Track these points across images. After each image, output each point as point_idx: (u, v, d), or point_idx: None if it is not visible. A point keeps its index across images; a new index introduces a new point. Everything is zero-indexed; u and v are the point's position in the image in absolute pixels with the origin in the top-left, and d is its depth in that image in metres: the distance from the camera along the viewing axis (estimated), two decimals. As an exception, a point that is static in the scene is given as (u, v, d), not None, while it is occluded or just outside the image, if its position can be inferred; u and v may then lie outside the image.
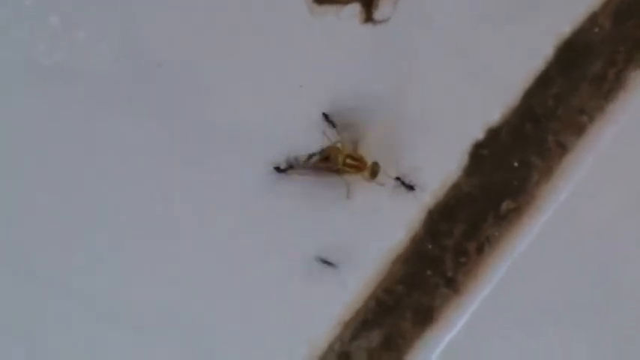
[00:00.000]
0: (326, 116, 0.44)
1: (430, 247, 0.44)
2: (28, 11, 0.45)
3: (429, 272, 0.44)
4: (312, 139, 0.44)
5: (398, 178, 0.44)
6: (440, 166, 0.44)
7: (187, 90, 0.45)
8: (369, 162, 0.43)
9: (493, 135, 0.45)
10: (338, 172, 0.43)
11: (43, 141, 0.44)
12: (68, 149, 0.44)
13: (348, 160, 0.43)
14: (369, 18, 0.45)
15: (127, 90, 0.45)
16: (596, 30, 0.45)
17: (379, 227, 0.44)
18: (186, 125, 0.44)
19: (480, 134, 0.45)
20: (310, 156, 0.43)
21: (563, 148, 0.44)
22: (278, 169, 0.44)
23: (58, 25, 0.45)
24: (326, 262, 0.43)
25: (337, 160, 0.43)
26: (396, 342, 0.44)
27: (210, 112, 0.44)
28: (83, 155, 0.44)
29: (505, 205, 0.44)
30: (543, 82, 0.45)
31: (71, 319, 0.43)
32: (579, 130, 0.45)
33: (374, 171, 0.43)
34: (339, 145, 0.43)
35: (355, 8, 0.45)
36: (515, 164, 0.44)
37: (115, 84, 0.45)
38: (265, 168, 0.44)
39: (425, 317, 0.44)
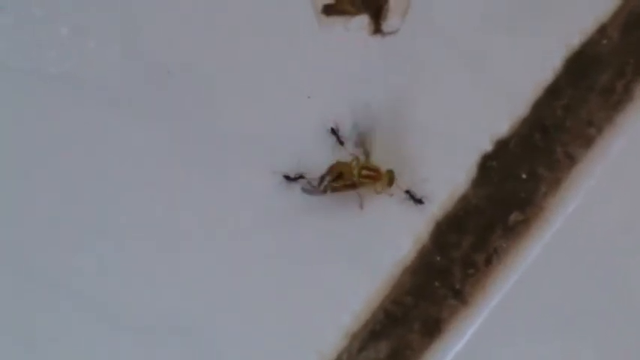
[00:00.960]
0: (334, 131, 0.44)
1: (438, 258, 0.44)
2: (37, 20, 0.45)
3: (437, 284, 0.44)
4: (320, 149, 0.44)
5: (408, 192, 0.44)
6: (448, 177, 0.44)
7: (195, 98, 0.45)
8: (385, 170, 0.43)
9: (501, 146, 0.45)
10: (354, 185, 0.43)
11: (52, 148, 0.45)
12: (75, 155, 0.45)
13: (364, 172, 0.43)
14: (377, 29, 0.45)
15: (135, 97, 0.45)
16: (605, 42, 0.45)
17: (387, 238, 0.44)
18: (193, 132, 0.44)
19: (488, 146, 0.45)
20: (322, 178, 0.43)
21: (571, 160, 0.44)
22: (288, 177, 0.44)
23: (66, 34, 0.45)
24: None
25: (352, 174, 0.43)
26: (404, 353, 0.44)
27: (218, 120, 0.45)
28: (89, 160, 0.45)
29: (513, 217, 0.44)
30: (552, 93, 0.45)
31: (72, 320, 0.43)
32: (588, 141, 0.45)
33: (391, 179, 0.43)
34: (350, 160, 0.43)
35: (363, 20, 0.45)
36: (524, 176, 0.44)
37: (124, 91, 0.45)
38: (273, 176, 0.44)
39: (433, 329, 0.44)
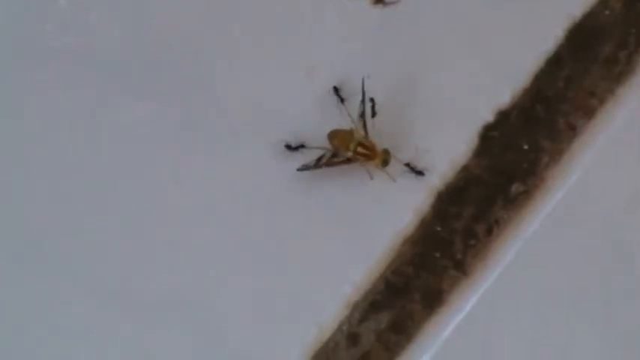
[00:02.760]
0: (336, 90, 0.44)
1: (439, 229, 0.44)
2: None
3: (437, 254, 0.44)
4: (322, 118, 0.44)
5: (407, 164, 0.44)
6: (449, 148, 0.44)
7: (196, 71, 0.45)
8: (380, 150, 0.43)
9: (503, 117, 0.44)
10: (350, 161, 0.43)
11: (52, 122, 0.45)
12: (78, 131, 0.45)
13: (360, 149, 0.43)
14: (378, 0, 0.45)
15: (136, 72, 0.45)
16: (607, 12, 0.45)
17: (388, 209, 0.44)
18: (195, 106, 0.45)
19: (490, 116, 0.44)
20: (319, 159, 0.43)
21: (573, 131, 0.44)
22: (289, 146, 0.44)
23: (66, 7, 0.45)
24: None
25: (348, 148, 0.43)
26: (405, 324, 0.44)
27: (219, 94, 0.45)
28: (93, 138, 0.45)
29: (514, 188, 0.44)
30: (554, 64, 0.45)
31: (81, 303, 0.43)
32: (590, 112, 0.44)
33: (385, 160, 0.43)
34: (349, 129, 0.43)
35: (365, -10, 0.45)
36: (525, 147, 0.44)
37: (126, 66, 0.45)
38: (274, 147, 0.44)
39: (434, 299, 0.44)
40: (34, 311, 0.43)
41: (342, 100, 0.44)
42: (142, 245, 0.44)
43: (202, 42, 0.45)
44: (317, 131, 0.44)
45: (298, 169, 0.43)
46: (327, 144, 0.44)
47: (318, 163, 0.43)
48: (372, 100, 0.43)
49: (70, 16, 0.45)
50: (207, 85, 0.45)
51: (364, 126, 0.43)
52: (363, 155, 0.43)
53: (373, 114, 0.43)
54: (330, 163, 0.43)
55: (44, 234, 0.44)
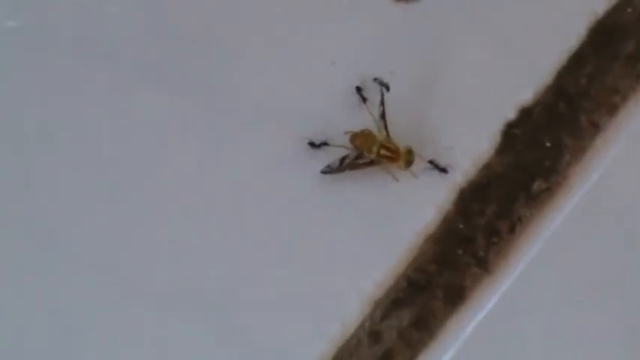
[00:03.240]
0: (359, 89, 0.44)
1: (462, 226, 0.44)
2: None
3: (460, 252, 0.44)
4: (344, 114, 0.44)
5: (431, 162, 0.44)
6: (472, 145, 0.44)
7: (218, 65, 0.45)
8: (403, 151, 0.43)
9: (525, 114, 0.44)
10: (373, 163, 0.43)
11: (71, 113, 0.44)
12: (96, 123, 0.44)
13: (382, 151, 0.43)
14: (401, -4, 0.45)
15: (158, 63, 0.45)
16: (630, 10, 0.45)
17: (411, 206, 0.44)
18: (217, 100, 0.44)
19: (512, 113, 0.44)
20: (343, 159, 0.43)
21: (595, 128, 0.44)
22: (312, 144, 0.44)
23: (86, 0, 0.45)
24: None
25: (372, 150, 0.43)
26: (427, 321, 0.43)
27: (241, 87, 0.45)
28: (111, 130, 0.44)
29: (537, 185, 0.44)
30: (576, 61, 0.45)
31: (99, 294, 0.43)
32: (612, 109, 0.44)
33: (409, 160, 0.43)
34: (371, 132, 0.43)
35: (388, -14, 0.45)
36: (548, 144, 0.44)
37: (147, 58, 0.45)
38: (297, 143, 0.44)
39: (456, 297, 0.44)
40: (47, 304, 0.43)
41: (364, 100, 0.44)
42: (163, 238, 0.44)
43: (223, 35, 0.45)
44: (339, 127, 0.44)
45: (322, 172, 0.43)
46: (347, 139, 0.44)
47: (341, 167, 0.43)
48: (383, 87, 0.43)
49: (90, 8, 0.45)
50: (228, 79, 0.45)
51: (385, 127, 0.43)
52: (386, 157, 0.43)
53: (382, 103, 0.43)
54: (353, 166, 0.43)
55: (61, 226, 0.44)
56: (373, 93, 0.44)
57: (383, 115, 0.43)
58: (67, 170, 0.44)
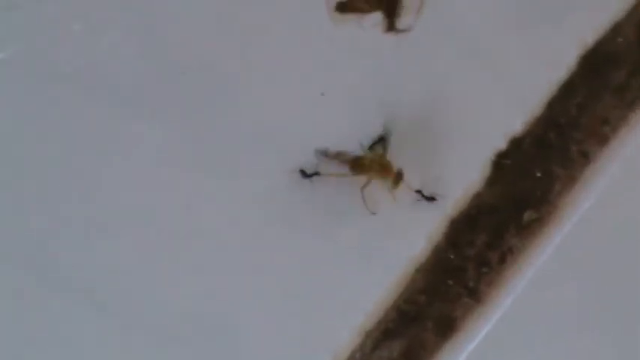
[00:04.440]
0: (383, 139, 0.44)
1: (452, 256, 0.44)
2: (50, 18, 0.45)
3: (450, 282, 0.44)
4: (334, 145, 0.44)
5: (419, 191, 0.44)
6: (462, 175, 0.44)
7: (209, 96, 0.45)
8: (395, 170, 0.43)
9: (516, 145, 0.44)
10: (363, 169, 0.43)
11: (64, 146, 0.44)
12: (88, 153, 0.44)
13: (375, 165, 0.43)
14: (391, 27, 0.45)
15: (149, 96, 0.45)
16: (620, 40, 0.45)
17: (401, 237, 0.44)
18: (207, 131, 0.44)
19: (502, 144, 0.44)
20: (340, 153, 0.43)
21: (586, 158, 0.44)
22: (304, 173, 0.44)
23: (79, 32, 0.45)
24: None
25: (364, 161, 0.43)
26: (418, 352, 0.43)
27: (232, 118, 0.45)
28: (102, 159, 0.44)
29: (527, 215, 0.44)
30: (566, 91, 0.45)
31: (91, 319, 0.43)
32: (602, 139, 0.44)
33: (398, 178, 0.43)
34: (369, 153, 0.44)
35: (377, 17, 0.45)
36: (538, 174, 0.44)
37: (137, 90, 0.45)
38: (287, 173, 0.44)
39: (446, 327, 0.44)
40: (45, 331, 0.43)
41: (385, 146, 0.44)
42: (153, 266, 0.44)
43: (216, 65, 0.45)
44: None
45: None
46: (340, 170, 0.44)
47: (338, 154, 0.43)
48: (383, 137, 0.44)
49: (82, 41, 0.45)
50: (218, 109, 0.45)
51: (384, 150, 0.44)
52: (377, 172, 0.43)
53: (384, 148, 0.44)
54: (344, 160, 0.43)
55: (54, 250, 0.44)
56: (361, 120, 0.44)
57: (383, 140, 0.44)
58: (61, 203, 0.44)
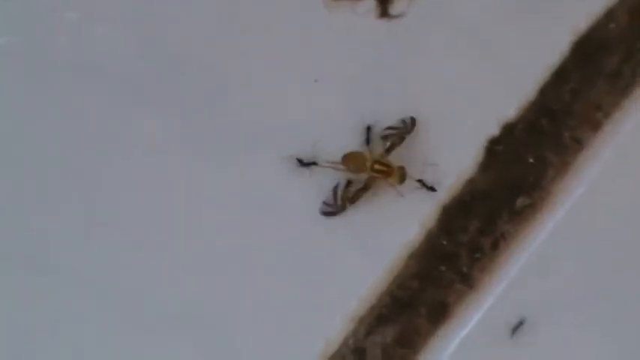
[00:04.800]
0: (369, 129, 0.44)
1: (445, 242, 0.44)
2: (47, 6, 0.45)
3: (443, 268, 0.44)
4: (328, 133, 0.44)
5: (420, 181, 0.44)
6: (455, 161, 0.44)
7: (204, 85, 0.44)
8: (396, 167, 0.43)
9: (509, 130, 0.44)
10: (367, 187, 0.43)
11: (61, 135, 0.44)
12: (89, 145, 0.44)
13: (377, 166, 0.43)
14: (384, 13, 0.45)
15: (146, 84, 0.44)
16: (613, 25, 0.45)
17: (394, 223, 0.44)
18: (203, 119, 0.44)
19: (495, 130, 0.44)
20: (335, 194, 0.43)
21: (579, 144, 0.44)
22: (301, 161, 0.44)
23: (75, 20, 0.45)
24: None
25: (364, 167, 0.43)
26: (411, 338, 0.44)
27: (228, 107, 0.44)
28: (104, 151, 0.44)
29: (520, 201, 0.44)
30: (559, 77, 0.45)
31: (91, 317, 0.43)
32: (595, 126, 0.44)
33: (402, 175, 0.43)
34: (364, 152, 0.43)
35: (371, 3, 0.45)
36: (531, 160, 0.44)
37: (137, 80, 0.45)
38: (282, 162, 0.44)
39: (440, 313, 0.44)
40: (43, 324, 0.43)
41: (367, 142, 0.44)
42: (152, 259, 0.44)
43: (212, 55, 0.45)
44: (325, 141, 0.44)
45: (323, 213, 0.43)
46: (335, 158, 0.43)
47: (342, 203, 0.43)
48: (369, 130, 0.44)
49: (79, 30, 0.45)
50: (218, 98, 0.44)
51: (386, 150, 0.43)
52: (381, 172, 0.43)
53: (368, 142, 0.44)
54: (353, 198, 0.43)
55: (54, 247, 0.43)
56: (359, 109, 0.44)
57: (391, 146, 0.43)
58: (58, 193, 0.44)
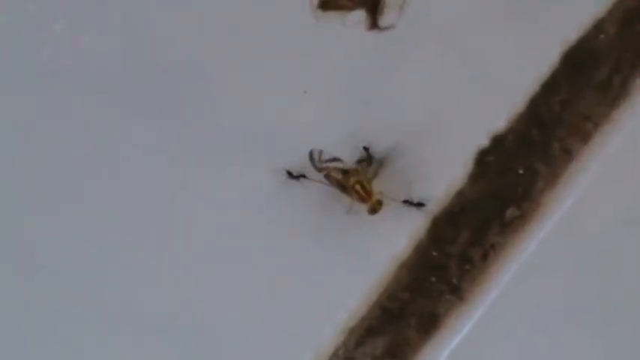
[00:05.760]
0: (366, 149, 0.44)
1: (435, 254, 0.44)
2: (32, 16, 0.45)
3: (433, 279, 0.44)
4: (316, 144, 0.44)
5: (406, 201, 0.44)
6: (444, 173, 0.44)
7: (191, 94, 0.45)
8: (374, 198, 0.43)
9: (498, 142, 0.44)
10: (344, 189, 0.43)
11: (51, 144, 0.45)
12: (76, 152, 0.44)
13: (357, 187, 0.43)
14: (374, 24, 0.45)
15: (133, 93, 0.45)
16: (602, 36, 0.45)
17: (383, 234, 0.44)
18: (191, 129, 0.44)
19: (485, 141, 0.44)
20: (334, 159, 0.43)
21: (568, 155, 0.44)
22: (290, 174, 0.44)
23: (62, 30, 0.45)
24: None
25: (349, 180, 0.43)
26: (401, 349, 0.44)
27: (215, 116, 0.45)
28: (91, 157, 0.44)
29: (510, 213, 0.44)
30: (549, 88, 0.45)
31: (76, 319, 0.43)
32: (585, 136, 0.44)
33: (374, 209, 0.43)
34: (359, 169, 0.44)
35: (360, 15, 0.45)
36: (521, 171, 0.44)
37: (121, 88, 0.45)
38: (271, 173, 0.44)
39: (429, 324, 0.44)
40: (31, 330, 0.43)
41: (369, 161, 0.44)
42: (141, 264, 0.44)
43: (200, 63, 0.45)
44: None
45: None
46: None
47: (319, 165, 0.43)
48: (367, 151, 0.44)
49: (65, 40, 0.45)
50: (205, 107, 0.45)
51: (375, 174, 0.44)
52: (357, 194, 0.43)
53: (369, 162, 0.44)
54: (328, 175, 0.43)
55: (44, 253, 0.44)
56: (343, 120, 0.44)
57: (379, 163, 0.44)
58: (46, 201, 0.44)
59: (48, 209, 0.44)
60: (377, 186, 0.43)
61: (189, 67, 0.45)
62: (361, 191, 0.43)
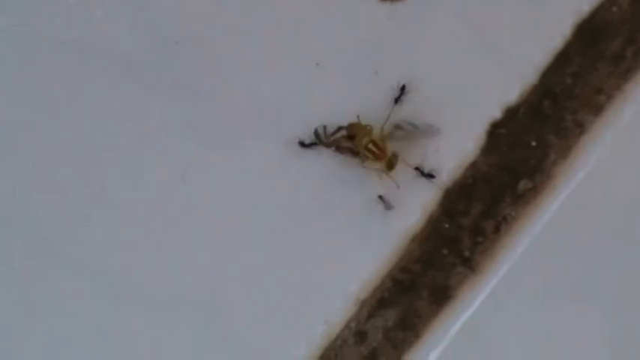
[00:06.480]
0: (403, 89, 0.44)
1: (447, 226, 0.44)
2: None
3: (445, 251, 0.44)
4: (328, 116, 0.44)
5: (417, 168, 0.44)
6: (457, 145, 0.44)
7: (204, 67, 0.45)
8: (390, 154, 0.43)
9: (511, 114, 0.44)
10: (358, 154, 0.43)
11: (61, 116, 0.44)
12: (86, 126, 0.44)
13: (370, 146, 0.43)
14: (387, -4, 0.45)
15: (144, 67, 0.45)
16: (615, 9, 0.45)
17: (396, 206, 0.44)
18: (203, 102, 0.44)
19: (497, 113, 0.44)
20: (338, 129, 0.43)
21: (580, 128, 0.44)
22: (302, 143, 0.44)
23: (75, 2, 0.45)
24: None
25: (360, 142, 0.43)
26: (412, 321, 0.44)
27: (228, 89, 0.45)
28: (102, 132, 0.44)
29: (522, 185, 0.44)
30: (562, 61, 0.45)
31: (88, 296, 0.43)
32: (597, 109, 0.44)
33: (391, 163, 0.43)
34: (367, 126, 0.43)
35: (373, -13, 0.45)
36: (533, 143, 0.44)
37: (133, 61, 0.45)
38: (285, 145, 0.44)
39: (441, 297, 0.44)
40: (42, 305, 0.43)
41: (396, 101, 0.44)
42: (150, 240, 0.44)
43: (211, 37, 0.45)
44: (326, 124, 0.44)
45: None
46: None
47: (327, 140, 0.43)
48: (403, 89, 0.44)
49: (78, 12, 0.45)
50: (217, 80, 0.45)
51: (382, 130, 0.43)
52: (372, 153, 0.43)
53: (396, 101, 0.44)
54: (338, 146, 0.43)
55: (53, 229, 0.44)
56: (357, 89, 0.44)
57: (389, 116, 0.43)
58: (56, 175, 0.44)
59: (57, 183, 0.44)
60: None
61: (200, 41, 0.45)
62: (375, 149, 0.43)
